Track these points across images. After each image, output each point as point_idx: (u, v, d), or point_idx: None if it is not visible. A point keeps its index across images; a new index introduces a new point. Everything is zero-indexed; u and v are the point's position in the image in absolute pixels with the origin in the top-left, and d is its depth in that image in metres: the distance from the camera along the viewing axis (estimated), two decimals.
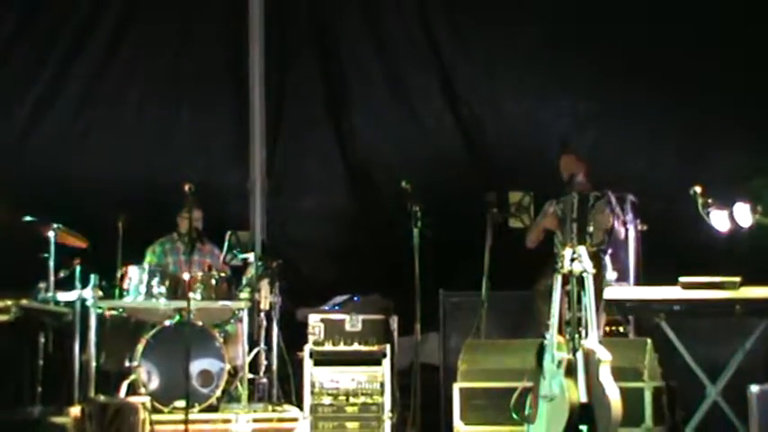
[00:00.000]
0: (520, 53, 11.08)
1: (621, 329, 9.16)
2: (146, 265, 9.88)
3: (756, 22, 10.20)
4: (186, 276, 9.45)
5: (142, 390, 9.28)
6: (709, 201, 8.58)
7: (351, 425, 9.40)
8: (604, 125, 10.82)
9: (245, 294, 9.74)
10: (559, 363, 7.65)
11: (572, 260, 7.77)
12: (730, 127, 10.33)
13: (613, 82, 10.71)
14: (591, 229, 9.43)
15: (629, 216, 9.59)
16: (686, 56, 10.44)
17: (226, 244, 10.05)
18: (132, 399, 8.91)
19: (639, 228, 9.62)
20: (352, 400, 9.44)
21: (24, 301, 8.97)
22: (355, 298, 9.90)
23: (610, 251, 9.50)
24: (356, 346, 9.52)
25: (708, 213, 8.59)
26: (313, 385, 9.45)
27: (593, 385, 7.55)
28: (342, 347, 9.52)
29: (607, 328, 9.37)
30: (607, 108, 10.82)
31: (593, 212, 9.50)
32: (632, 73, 10.63)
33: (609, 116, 10.80)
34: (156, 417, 8.93)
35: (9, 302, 8.81)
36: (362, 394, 9.43)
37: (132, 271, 9.59)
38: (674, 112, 10.52)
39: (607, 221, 9.44)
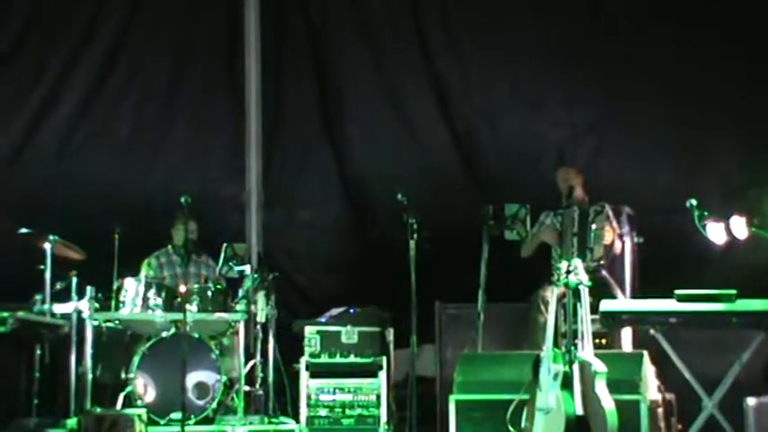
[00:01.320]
0: (516, 64, 11.06)
1: (603, 341, 9.15)
2: (142, 278, 9.88)
3: (756, 33, 10.20)
4: (182, 289, 9.46)
5: (138, 402, 9.28)
6: (706, 213, 8.59)
7: None
8: (601, 137, 10.81)
9: (241, 306, 9.73)
10: (555, 375, 7.66)
11: (568, 273, 7.78)
12: (727, 139, 10.34)
13: (610, 94, 10.71)
14: (591, 244, 9.50)
15: (626, 228, 9.61)
16: (683, 67, 10.44)
17: (222, 256, 10.03)
18: (128, 411, 8.92)
19: (635, 240, 9.62)
20: (348, 412, 9.43)
21: (21, 313, 8.96)
22: (351, 310, 9.89)
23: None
24: (352, 359, 9.51)
25: (704, 226, 8.59)
26: (309, 397, 9.44)
27: (589, 398, 7.56)
28: (338, 359, 9.51)
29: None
30: (603, 120, 10.82)
31: (594, 228, 9.54)
32: (629, 84, 10.63)
33: (605, 128, 10.80)
34: (152, 429, 8.95)
35: (5, 314, 8.81)
36: (359, 406, 9.43)
37: (129, 283, 9.59)
38: (671, 123, 10.52)
39: (607, 237, 9.48)
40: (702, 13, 10.36)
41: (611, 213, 9.60)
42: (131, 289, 9.55)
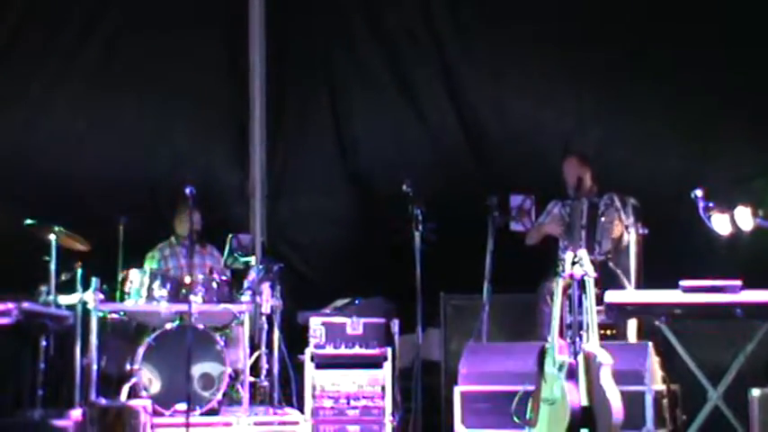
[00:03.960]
0: (524, 53, 11.03)
1: (609, 332, 9.16)
2: (147, 268, 9.88)
3: (761, 22, 10.18)
4: (187, 279, 9.46)
5: (143, 393, 9.28)
6: (710, 204, 8.58)
7: (352, 428, 9.37)
8: (607, 127, 10.78)
9: (246, 297, 9.74)
10: (561, 366, 7.66)
11: (573, 264, 7.78)
12: (732, 129, 10.32)
13: (617, 83, 10.68)
14: (600, 237, 9.52)
15: (630, 219, 9.60)
16: (690, 56, 10.41)
17: (227, 247, 10.04)
18: (133, 402, 8.93)
19: (641, 231, 9.60)
20: (353, 403, 9.42)
21: (26, 305, 8.96)
22: (356, 301, 9.90)
23: None
24: (357, 350, 9.51)
25: (709, 216, 8.58)
26: (314, 388, 9.43)
27: (595, 389, 7.56)
28: (343, 350, 9.51)
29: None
30: (610, 110, 10.79)
31: (603, 221, 9.55)
32: (636, 74, 10.61)
33: (612, 118, 10.77)
34: (156, 420, 8.95)
35: (10, 305, 8.82)
36: (363, 397, 9.43)
37: (133, 274, 9.59)
38: (677, 114, 10.50)
39: (616, 231, 9.49)
40: (708, 3, 10.34)
41: (619, 205, 9.59)
42: (136, 280, 9.56)
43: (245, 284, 9.89)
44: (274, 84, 11.79)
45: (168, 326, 9.52)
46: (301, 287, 11.00)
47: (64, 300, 9.45)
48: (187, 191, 9.23)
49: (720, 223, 8.60)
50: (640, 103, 10.63)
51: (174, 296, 9.55)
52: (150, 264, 10.23)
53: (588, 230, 9.61)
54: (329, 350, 9.51)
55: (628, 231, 9.53)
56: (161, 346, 9.41)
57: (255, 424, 9.21)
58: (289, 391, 9.79)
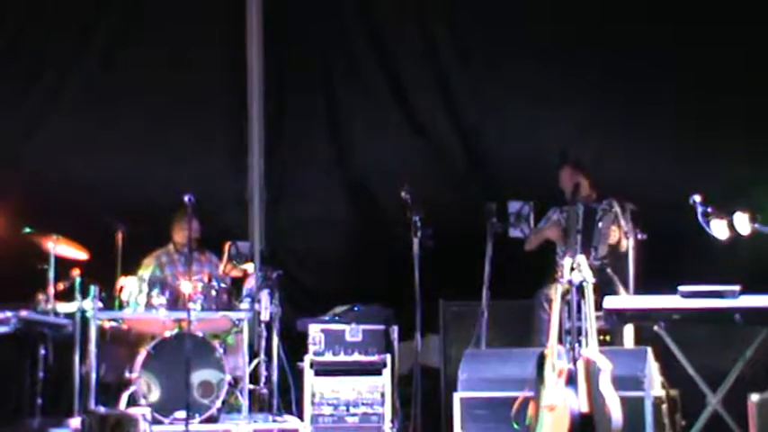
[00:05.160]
0: (520, 59, 11.04)
1: (606, 338, 9.16)
2: (145, 276, 9.87)
3: (758, 25, 10.19)
4: (186, 287, 9.45)
5: (142, 401, 9.27)
6: (709, 209, 8.57)
7: None
8: (605, 133, 10.79)
9: (245, 305, 9.73)
10: (560, 372, 7.66)
11: (572, 270, 7.77)
12: (730, 134, 10.32)
13: (614, 89, 10.68)
14: (595, 242, 9.52)
15: (629, 225, 9.59)
16: (687, 62, 10.42)
17: (225, 254, 10.04)
18: (132, 410, 8.92)
19: (639, 237, 9.60)
20: (352, 410, 9.43)
21: (24, 313, 8.96)
22: (356, 308, 9.90)
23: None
24: (357, 356, 9.51)
25: (708, 222, 8.58)
26: (313, 395, 9.44)
27: (594, 395, 7.54)
28: (342, 357, 9.52)
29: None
30: (608, 116, 10.79)
31: (600, 226, 9.55)
32: (633, 80, 10.61)
33: (609, 124, 10.78)
34: (156, 428, 8.95)
35: (9, 314, 8.81)
36: (363, 404, 9.43)
37: (132, 282, 9.58)
38: (675, 119, 10.51)
39: (613, 236, 9.49)
40: (703, 9, 10.34)
41: (619, 212, 9.57)
42: (134, 288, 9.54)
43: (244, 292, 9.90)
44: (273, 91, 11.79)
45: (167, 333, 9.51)
46: (300, 294, 11.01)
47: (62, 308, 9.44)
48: (186, 199, 9.24)
49: (719, 228, 8.59)
50: (638, 108, 10.63)
51: (173, 304, 9.53)
52: (145, 271, 10.21)
53: (584, 235, 9.61)
54: (328, 357, 9.52)
55: (626, 237, 9.53)
56: (160, 354, 9.40)
57: (255, 431, 9.20)
58: (288, 398, 9.81)
